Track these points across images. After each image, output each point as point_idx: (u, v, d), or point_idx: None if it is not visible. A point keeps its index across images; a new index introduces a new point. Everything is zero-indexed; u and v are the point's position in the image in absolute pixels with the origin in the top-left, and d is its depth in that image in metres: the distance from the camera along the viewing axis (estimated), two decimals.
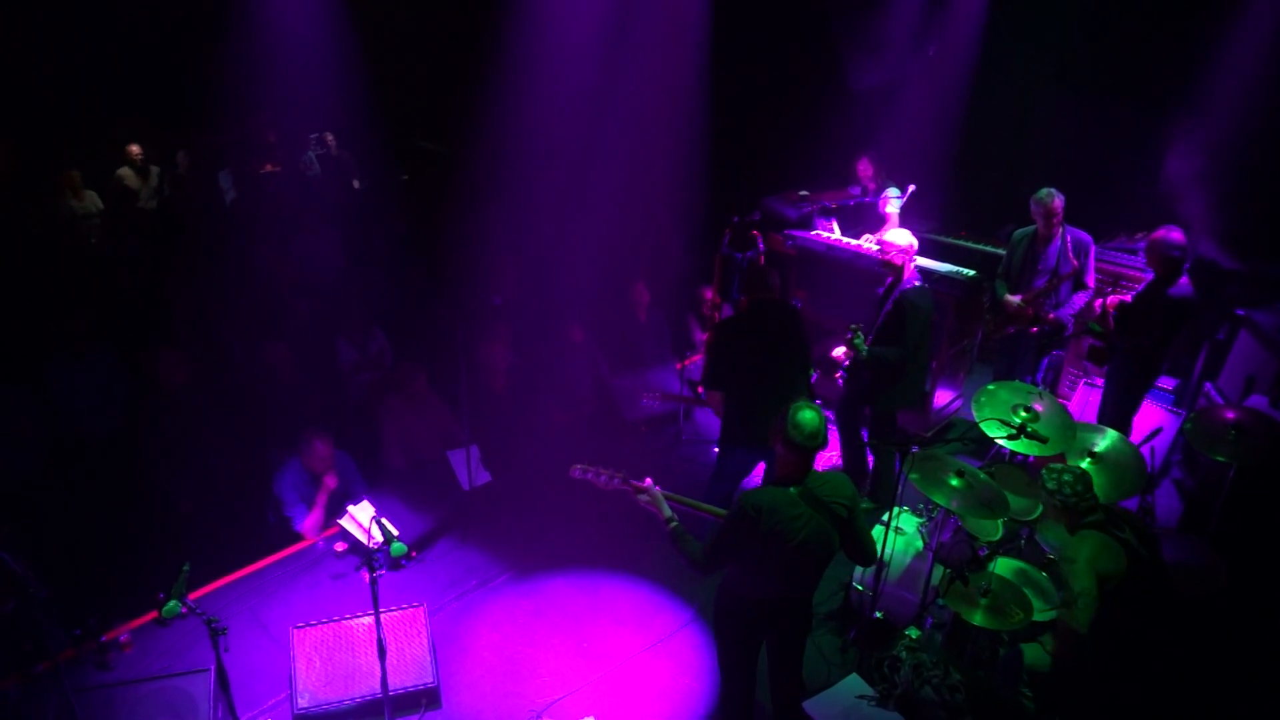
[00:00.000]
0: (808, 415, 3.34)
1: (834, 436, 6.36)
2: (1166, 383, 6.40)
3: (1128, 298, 5.57)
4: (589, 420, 6.81)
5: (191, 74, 8.61)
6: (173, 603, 3.37)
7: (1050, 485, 3.72)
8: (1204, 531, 4.96)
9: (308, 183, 9.74)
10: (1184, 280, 5.31)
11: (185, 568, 3.52)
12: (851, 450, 6.09)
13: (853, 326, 5.30)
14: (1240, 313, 6.12)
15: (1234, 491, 4.79)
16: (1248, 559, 4.76)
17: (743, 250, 6.70)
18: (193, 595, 4.78)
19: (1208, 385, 6.17)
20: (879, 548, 4.46)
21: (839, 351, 5.58)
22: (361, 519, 5.12)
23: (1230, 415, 4.67)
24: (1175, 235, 5.28)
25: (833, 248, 6.98)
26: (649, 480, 3.75)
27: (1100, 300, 5.68)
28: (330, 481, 5.35)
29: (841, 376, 5.67)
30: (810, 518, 3.35)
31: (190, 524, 5.48)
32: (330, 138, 9.99)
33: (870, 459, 6.02)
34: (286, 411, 6.02)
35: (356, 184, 10.07)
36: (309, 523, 5.36)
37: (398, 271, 7.21)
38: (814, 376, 5.20)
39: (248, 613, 4.89)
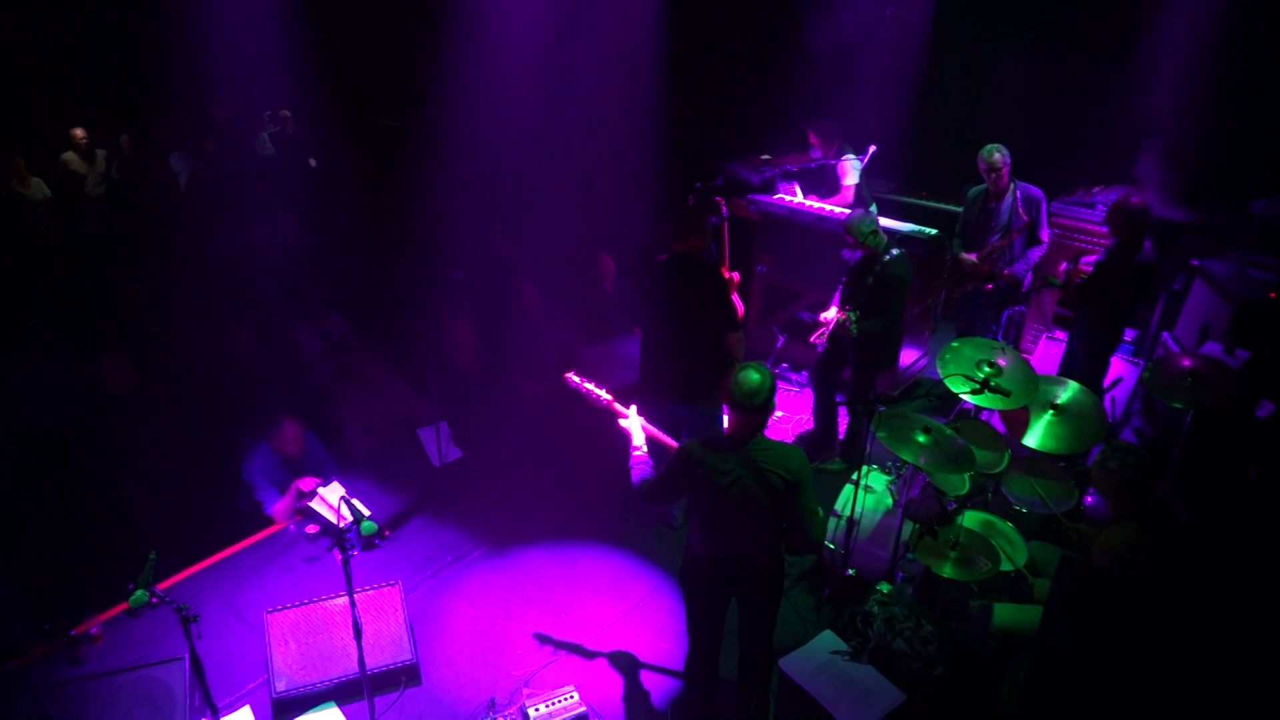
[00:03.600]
0: (746, 375, 3.35)
1: (809, 398, 6.43)
2: (1127, 334, 6.50)
3: (1090, 261, 5.61)
4: (559, 391, 6.79)
5: (135, 54, 8.35)
6: (140, 592, 3.33)
7: (1113, 464, 3.71)
8: (1164, 476, 5.07)
9: (262, 163, 9.53)
10: (1148, 245, 5.36)
11: (151, 556, 3.47)
12: (825, 413, 6.16)
13: (849, 312, 5.40)
14: (1194, 263, 6.21)
15: (1191, 437, 4.89)
16: (1205, 502, 4.88)
17: (705, 216, 6.67)
18: (163, 585, 4.78)
19: (1165, 335, 6.28)
20: (850, 506, 4.52)
21: (827, 315, 5.63)
22: (331, 500, 5.08)
23: (1186, 363, 4.75)
24: (1137, 201, 5.33)
25: (796, 211, 6.98)
26: (634, 407, 3.90)
27: (1064, 265, 5.73)
28: (305, 485, 5.29)
29: (818, 341, 5.72)
30: (738, 477, 3.36)
31: (158, 515, 5.39)
32: (287, 115, 9.75)
33: (843, 422, 6.10)
34: (250, 397, 5.93)
35: (313, 163, 9.87)
36: (280, 507, 5.30)
37: (357, 251, 7.09)
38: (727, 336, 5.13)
39: (220, 599, 4.84)
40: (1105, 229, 5.68)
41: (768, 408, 3.40)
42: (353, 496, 4.65)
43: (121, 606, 4.48)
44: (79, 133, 8.77)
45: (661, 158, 7.98)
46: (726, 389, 3.39)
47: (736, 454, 3.39)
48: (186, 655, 3.83)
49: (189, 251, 7.22)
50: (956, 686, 3.27)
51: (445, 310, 6.41)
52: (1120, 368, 6.09)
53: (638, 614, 4.83)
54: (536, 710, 4.07)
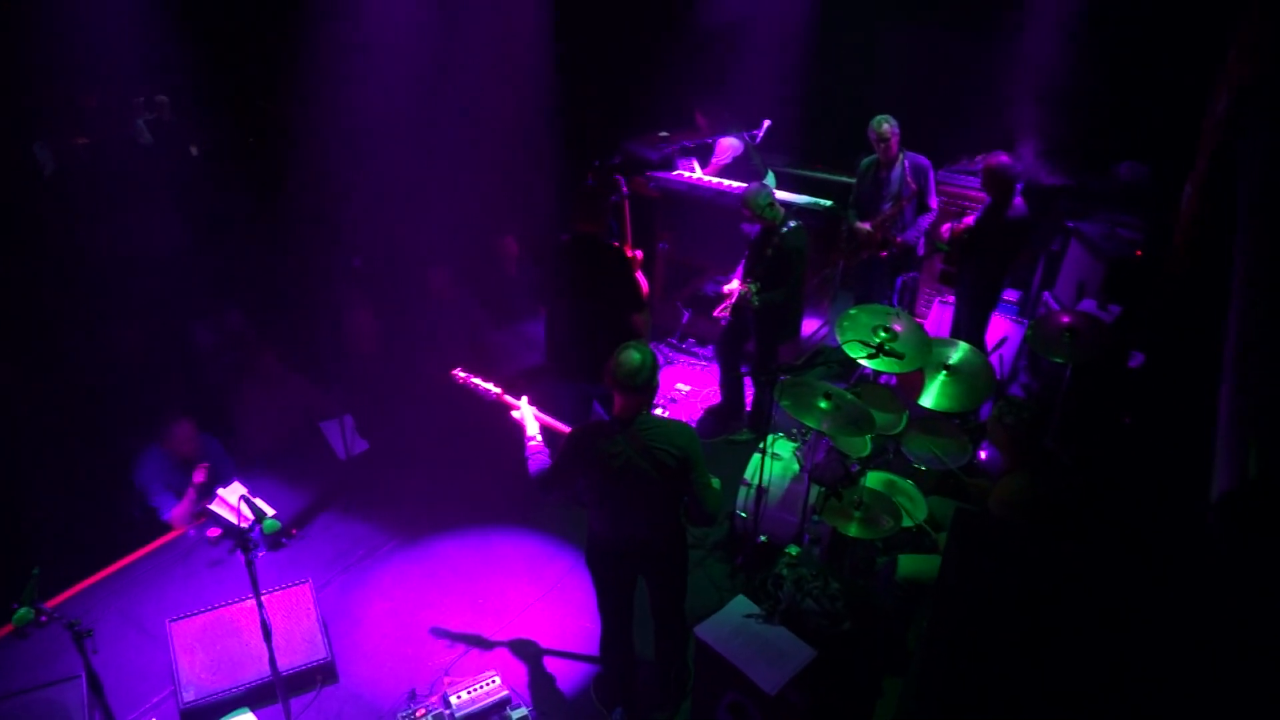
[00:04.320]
0: (627, 355, 3.38)
1: (715, 372, 6.53)
2: (1010, 295, 6.82)
3: (970, 220, 5.88)
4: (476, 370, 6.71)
5: None
6: (24, 610, 3.15)
7: (1008, 420, 3.90)
8: (1049, 427, 5.36)
9: (139, 152, 9.00)
10: (1019, 201, 5.64)
11: (35, 572, 3.28)
12: (730, 385, 6.27)
13: (751, 285, 5.48)
14: (1070, 224, 6.55)
15: (1071, 389, 5.18)
16: (1086, 449, 5.18)
17: (605, 195, 6.66)
18: (52, 601, 4.54)
19: (1046, 294, 6.62)
20: (759, 475, 4.63)
21: (729, 288, 5.70)
22: (231, 500, 4.89)
23: (1065, 320, 5.02)
24: (1004, 159, 5.60)
25: (695, 187, 7.04)
26: (525, 398, 3.87)
27: (947, 225, 5.98)
28: (198, 476, 5.08)
29: (721, 315, 5.81)
30: (628, 457, 3.39)
31: (41, 528, 5.09)
32: (163, 100, 9.22)
33: (750, 393, 6.23)
34: (140, 398, 5.64)
35: (194, 150, 9.38)
36: (178, 511, 5.09)
37: (248, 242, 6.80)
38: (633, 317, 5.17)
39: (117, 612, 4.63)
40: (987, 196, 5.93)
41: (651, 387, 3.43)
42: (255, 496, 4.49)
43: (6, 629, 4.23)
44: None
45: (559, 137, 7.92)
46: (608, 371, 3.40)
47: (625, 435, 3.41)
48: (83, 673, 3.65)
49: (62, 247, 6.79)
50: (864, 639, 3.40)
51: (344, 299, 6.23)
52: (1006, 327, 6.39)
53: (556, 594, 4.85)
54: (458, 698, 4.05)
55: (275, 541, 5.05)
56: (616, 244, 5.19)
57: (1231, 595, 1.57)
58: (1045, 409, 5.21)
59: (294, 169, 6.83)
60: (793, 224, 5.50)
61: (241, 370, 6.08)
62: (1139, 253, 5.93)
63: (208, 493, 5.08)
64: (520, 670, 4.37)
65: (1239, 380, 1.14)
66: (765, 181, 7.27)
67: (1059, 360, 4.95)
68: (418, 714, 4.02)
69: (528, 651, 4.49)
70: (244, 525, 3.56)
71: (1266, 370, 1.11)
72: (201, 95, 8.71)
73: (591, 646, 4.41)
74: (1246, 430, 1.08)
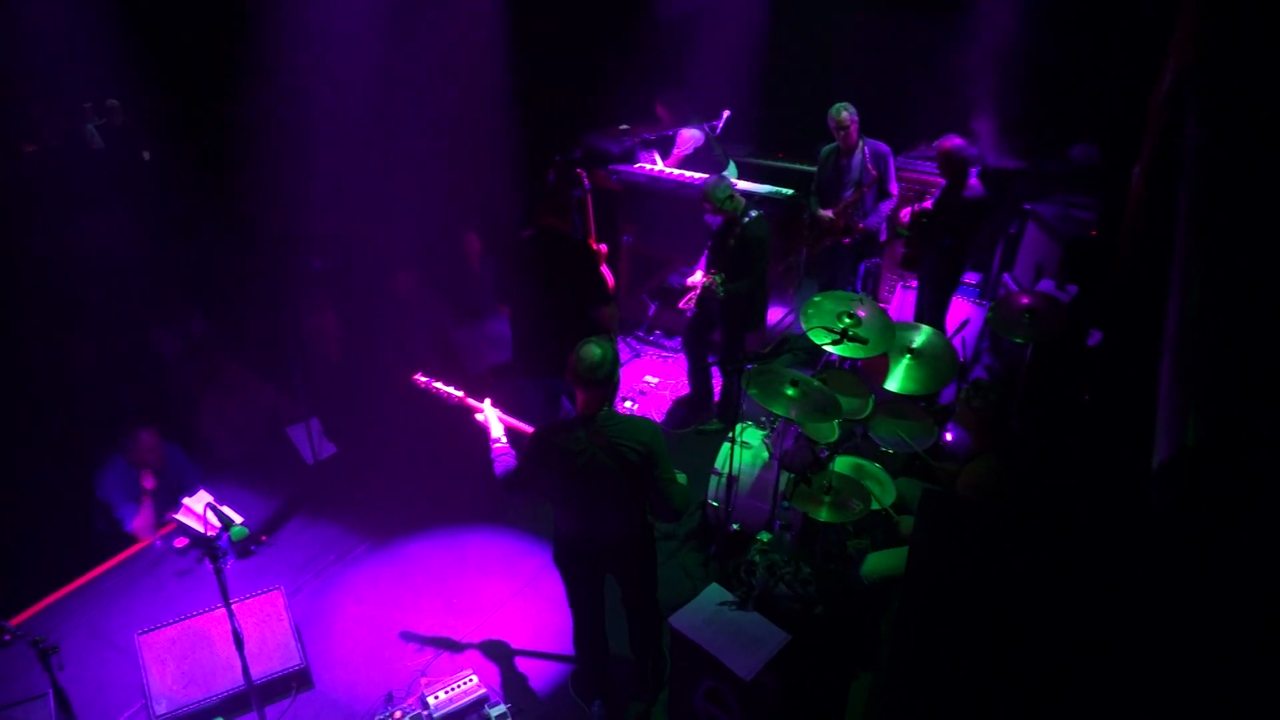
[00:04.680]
0: (587, 350, 3.37)
1: (683, 363, 6.56)
2: (971, 278, 6.93)
3: (928, 204, 5.97)
4: (439, 375, 6.67)
5: None
6: None
7: (976, 403, 3.95)
8: (1011, 407, 5.46)
9: (91, 158, 8.82)
10: (974, 182, 5.74)
11: None
12: (699, 376, 6.30)
13: (715, 276, 5.49)
14: (1027, 207, 6.67)
15: (1032, 368, 5.28)
16: (1047, 427, 5.29)
17: (568, 189, 6.66)
18: (16, 619, 4.46)
19: (1005, 276, 6.74)
20: (729, 464, 4.67)
21: (694, 279, 5.73)
22: (197, 509, 4.84)
23: (1025, 301, 5.11)
24: (956, 141, 5.70)
25: (657, 179, 7.06)
26: (488, 400, 3.85)
27: (907, 209, 6.06)
28: (147, 482, 5.01)
29: (686, 306, 5.84)
30: (590, 455, 3.38)
31: (3, 543, 5.00)
32: (114, 104, 9.04)
33: (718, 382, 6.27)
34: (101, 409, 5.55)
35: (147, 155, 9.21)
36: (141, 522, 5.01)
37: (207, 247, 6.70)
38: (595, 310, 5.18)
39: (85, 627, 4.56)
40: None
41: (612, 381, 3.43)
42: (222, 503, 4.45)
43: None
44: None
45: (519, 132, 7.89)
46: (569, 367, 3.40)
47: (588, 432, 3.41)
48: (50, 691, 3.59)
49: (18, 256, 6.65)
50: (837, 622, 3.45)
51: (307, 302, 6.16)
52: (968, 309, 6.50)
53: (530, 590, 4.85)
54: (436, 698, 4.05)
55: (244, 549, 5.00)
56: (580, 238, 5.20)
57: (1178, 564, 1.62)
58: (1011, 390, 5.31)
59: (250, 171, 6.74)
60: (754, 214, 5.54)
61: (205, 377, 6.00)
62: (1093, 233, 6.06)
63: (172, 501, 5.01)
64: (497, 668, 4.38)
65: (1177, 353, 1.18)
66: (727, 172, 7.31)
67: (1019, 340, 5.05)
68: (395, 716, 4.01)
69: (504, 649, 4.49)
70: (211, 534, 3.52)
71: (1202, 343, 1.15)
72: (154, 99, 8.56)
73: (567, 641, 4.42)
74: (1184, 401, 1.13)
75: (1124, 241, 4.31)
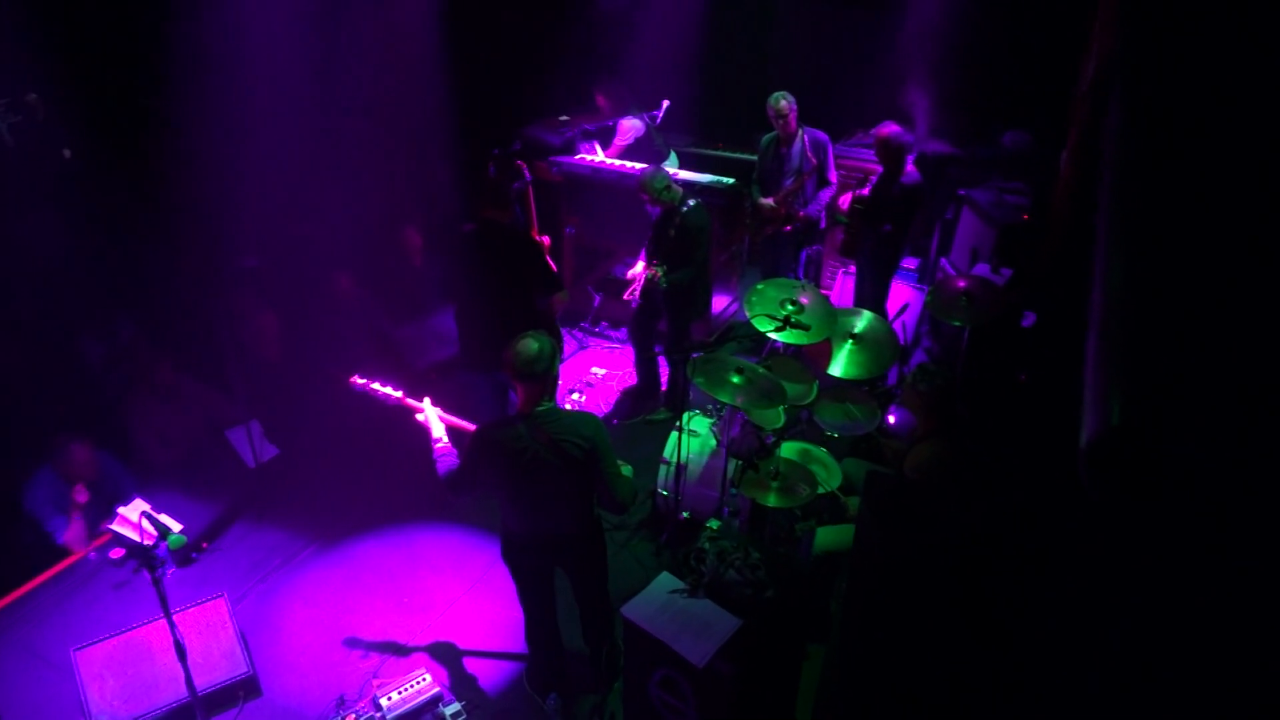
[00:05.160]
0: (524, 345, 3.36)
1: (630, 354, 6.57)
2: (910, 263, 7.07)
3: (865, 191, 6.06)
4: (378, 375, 6.56)
5: None
6: None
7: (922, 386, 4.02)
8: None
9: (3, 158, 8.45)
10: (911, 169, 5.84)
11: None
12: (645, 366, 6.32)
13: (656, 267, 5.49)
14: (961, 192, 6.82)
15: (970, 350, 5.41)
16: (985, 407, 5.43)
17: (509, 182, 6.60)
18: None
19: (943, 260, 6.88)
20: (678, 453, 4.69)
21: (635, 271, 5.74)
22: (132, 518, 4.68)
23: (961, 284, 5.24)
24: (894, 129, 5.79)
25: (598, 170, 7.04)
26: (427, 399, 3.81)
27: (847, 195, 6.16)
28: (80, 496, 4.85)
29: (630, 297, 5.84)
30: (533, 452, 3.38)
31: None
32: (33, 98, 8.66)
33: (665, 372, 6.30)
34: (25, 419, 5.34)
35: (67, 153, 8.86)
36: (72, 535, 4.85)
37: (133, 248, 6.47)
38: (542, 301, 5.14)
39: (17, 645, 4.40)
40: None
41: (550, 375, 3.42)
42: (160, 511, 4.32)
43: None
44: None
45: (457, 124, 7.79)
46: (506, 362, 3.38)
47: (529, 428, 3.39)
48: None
49: None
50: (788, 604, 3.50)
51: (241, 302, 6.01)
52: (907, 294, 6.63)
53: (482, 586, 4.83)
54: (389, 699, 4.01)
55: (184, 557, 4.88)
56: (522, 230, 5.16)
57: (1110, 539, 1.69)
58: (952, 373, 5.44)
59: (177, 169, 6.52)
60: (692, 203, 5.56)
61: (136, 382, 5.81)
62: (1025, 217, 6.22)
63: (107, 511, 4.86)
64: (450, 666, 4.35)
65: (1101, 334, 1.22)
66: (667, 162, 7.33)
67: (957, 323, 5.17)
68: (347, 719, 3.96)
69: (456, 647, 4.46)
70: (148, 543, 3.43)
71: (1124, 324, 1.20)
72: (72, 92, 8.22)
73: (520, 636, 4.42)
74: (1109, 381, 1.17)
75: (1053, 225, 4.44)
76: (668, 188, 5.49)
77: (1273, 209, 1.20)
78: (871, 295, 6.23)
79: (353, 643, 4.47)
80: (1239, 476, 1.23)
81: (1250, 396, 1.21)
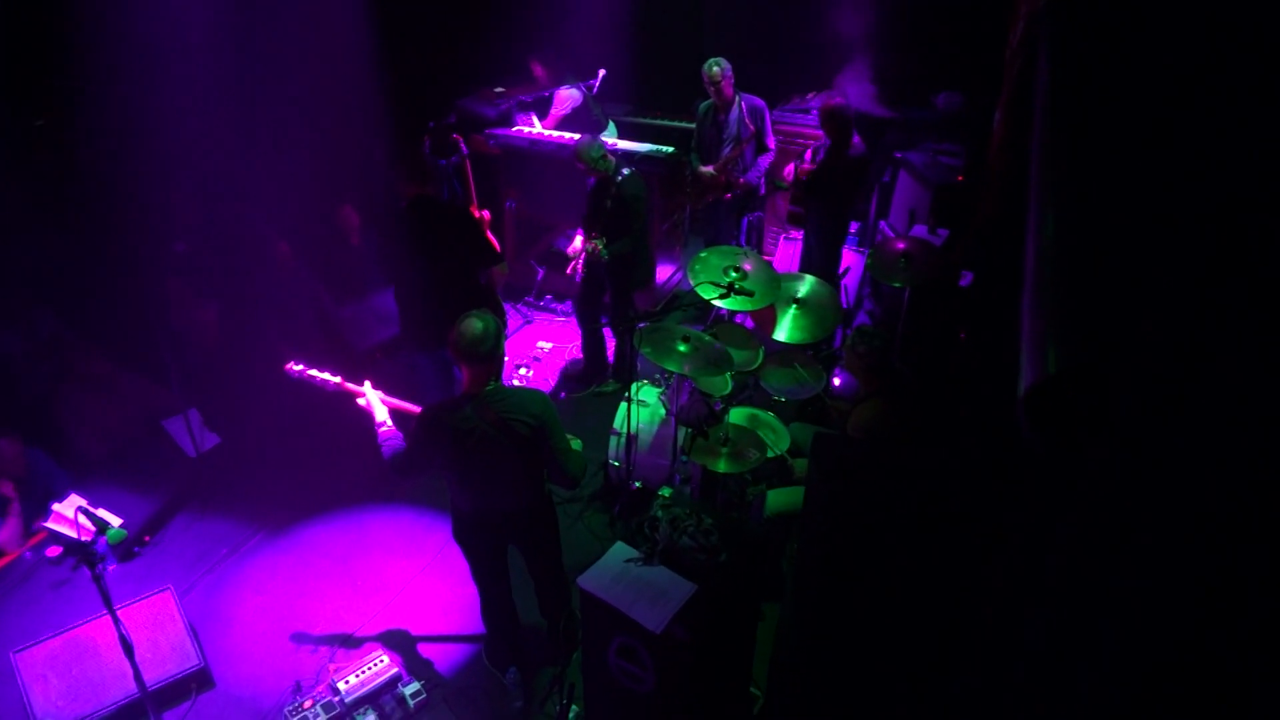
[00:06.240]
0: (468, 324, 3.31)
1: (575, 327, 6.53)
2: (850, 227, 7.13)
3: (808, 164, 6.04)
4: (320, 358, 6.42)
5: None
6: None
7: (861, 348, 4.05)
8: (894, 349, 5.68)
9: None
10: (857, 140, 5.86)
11: None
12: (591, 338, 6.29)
13: (595, 240, 5.46)
14: (898, 155, 6.89)
15: (910, 310, 5.50)
16: (927, 366, 5.54)
17: (446, 156, 6.48)
18: None
19: (882, 223, 6.96)
20: (627, 424, 4.70)
21: (575, 247, 5.70)
22: (68, 514, 4.54)
23: (900, 246, 5.30)
24: (840, 100, 5.80)
25: (536, 141, 6.94)
26: (367, 383, 3.75)
27: (791, 166, 6.14)
28: (6, 489, 4.67)
29: (576, 271, 5.80)
30: (481, 432, 3.35)
31: None
32: None
33: (612, 344, 6.28)
34: None
35: None
36: (4, 535, 4.68)
37: (51, 237, 6.18)
38: (483, 276, 5.09)
39: None
40: (821, 132, 6.14)
41: (496, 354, 3.38)
42: (98, 506, 4.19)
43: None
44: None
45: (390, 100, 7.59)
46: (451, 343, 3.33)
47: (475, 408, 3.35)
48: None
49: None
50: (741, 568, 3.54)
51: (172, 287, 5.81)
52: (849, 258, 6.69)
53: (436, 565, 4.79)
54: (346, 683, 3.98)
55: (126, 551, 4.75)
56: (460, 204, 5.08)
57: (1049, 489, 1.73)
58: (892, 334, 5.53)
59: (96, 152, 6.24)
60: (626, 172, 5.53)
61: (62, 376, 5.60)
62: (960, 178, 6.31)
63: (41, 509, 4.69)
64: (408, 647, 4.32)
65: (1036, 285, 1.24)
66: (606, 132, 7.26)
67: (897, 285, 5.24)
68: (305, 706, 3.92)
69: (413, 627, 4.43)
70: (85, 539, 3.32)
71: (1057, 272, 1.22)
72: None
73: (477, 614, 4.41)
74: (1044, 329, 1.19)
75: (988, 184, 4.51)
76: (603, 156, 5.44)
77: (1201, 152, 1.23)
78: (822, 264, 6.26)
79: (307, 629, 4.41)
80: (1174, 420, 1.27)
81: (1184, 340, 1.24)
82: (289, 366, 3.84)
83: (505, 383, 4.35)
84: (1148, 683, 1.37)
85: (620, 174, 5.49)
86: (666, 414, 5.02)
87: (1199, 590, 1.24)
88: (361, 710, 3.91)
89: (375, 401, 3.69)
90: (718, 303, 4.85)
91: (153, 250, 6.01)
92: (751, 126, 6.32)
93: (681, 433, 4.73)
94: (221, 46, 6.79)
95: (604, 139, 6.84)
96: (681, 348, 4.47)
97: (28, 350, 5.87)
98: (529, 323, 7.21)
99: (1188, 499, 1.24)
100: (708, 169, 6.50)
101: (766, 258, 6.68)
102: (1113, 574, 1.45)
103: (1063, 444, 1.28)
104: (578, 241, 5.66)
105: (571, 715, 3.88)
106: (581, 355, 6.43)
